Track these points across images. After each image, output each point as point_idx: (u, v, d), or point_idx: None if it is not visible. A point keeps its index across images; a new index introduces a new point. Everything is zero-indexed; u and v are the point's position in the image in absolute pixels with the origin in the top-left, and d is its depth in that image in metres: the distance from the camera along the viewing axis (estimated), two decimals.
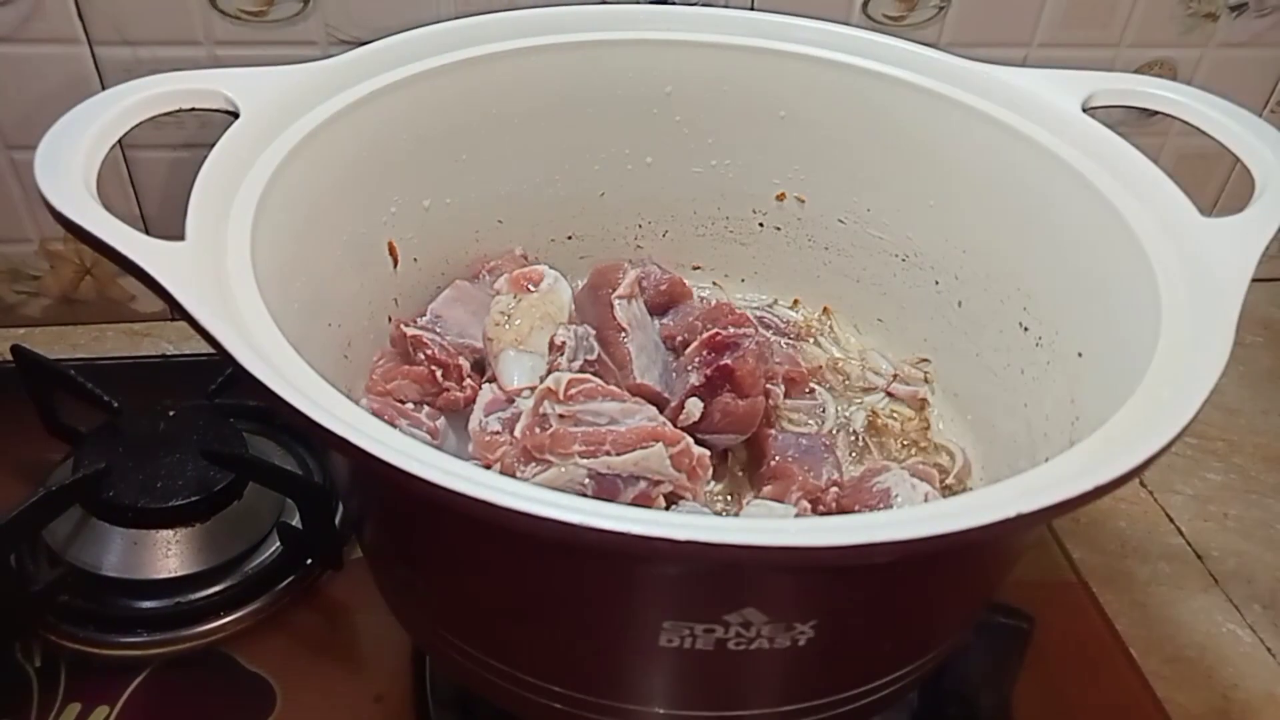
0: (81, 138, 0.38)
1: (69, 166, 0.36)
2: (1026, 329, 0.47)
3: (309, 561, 0.52)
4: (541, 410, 0.41)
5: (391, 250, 0.50)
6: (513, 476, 0.39)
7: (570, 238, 0.58)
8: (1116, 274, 0.40)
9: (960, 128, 0.48)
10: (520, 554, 0.32)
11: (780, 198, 0.57)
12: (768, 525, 0.27)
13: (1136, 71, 0.69)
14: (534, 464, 0.40)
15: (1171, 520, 0.61)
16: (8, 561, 0.47)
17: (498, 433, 0.44)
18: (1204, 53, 0.69)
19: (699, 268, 0.60)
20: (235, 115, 0.42)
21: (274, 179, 0.41)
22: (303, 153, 0.43)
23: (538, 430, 0.41)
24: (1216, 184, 0.75)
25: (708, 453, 0.42)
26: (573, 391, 0.41)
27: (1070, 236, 0.44)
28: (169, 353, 0.66)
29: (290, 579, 0.51)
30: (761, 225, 0.58)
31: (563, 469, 0.40)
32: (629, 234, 0.59)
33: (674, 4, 0.54)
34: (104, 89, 0.40)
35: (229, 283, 0.35)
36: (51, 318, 0.68)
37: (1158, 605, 0.56)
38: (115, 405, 0.54)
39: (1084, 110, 0.46)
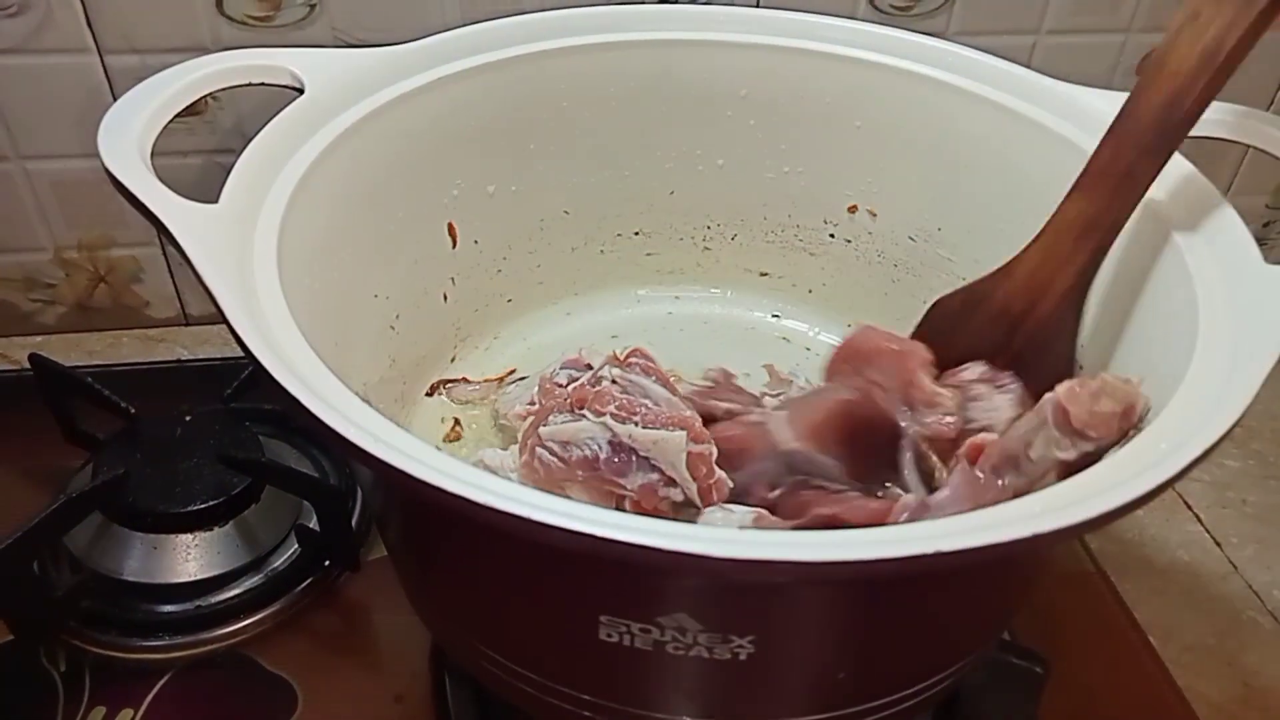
0: (148, 103, 0.40)
1: (127, 127, 0.39)
2: (1081, 366, 0.45)
3: (327, 563, 0.52)
4: (601, 374, 0.43)
5: (451, 231, 0.51)
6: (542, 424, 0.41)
7: (637, 234, 0.58)
8: (1167, 313, 0.39)
9: (1036, 150, 0.47)
10: (484, 547, 0.33)
11: (852, 210, 0.56)
12: (681, 531, 0.26)
13: (1147, 56, 0.69)
14: (566, 414, 0.41)
15: (1189, 507, 0.61)
16: (31, 568, 0.48)
17: (561, 384, 0.45)
18: None
19: (766, 274, 0.60)
20: (300, 92, 0.43)
21: (329, 152, 0.42)
22: (363, 130, 0.44)
23: (588, 386, 0.42)
24: (1229, 168, 0.74)
25: (728, 482, 0.42)
26: (631, 360, 0.43)
27: (1132, 274, 0.42)
28: (184, 358, 0.67)
29: (309, 581, 0.52)
30: (832, 236, 0.57)
31: (588, 423, 0.40)
32: (697, 235, 0.59)
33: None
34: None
35: (253, 251, 0.36)
36: (67, 325, 0.69)
37: (1176, 593, 0.56)
38: (132, 411, 0.55)
39: None
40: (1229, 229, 0.39)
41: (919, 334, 0.47)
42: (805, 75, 0.52)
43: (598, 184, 0.55)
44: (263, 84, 0.44)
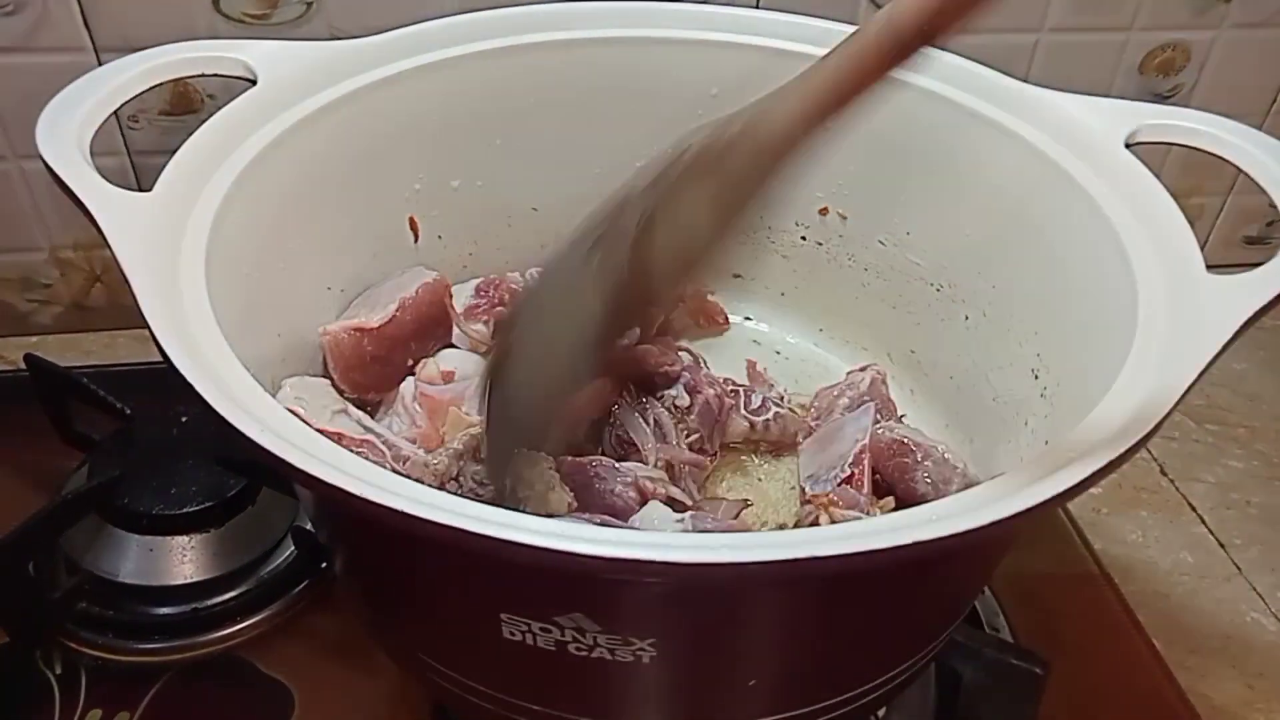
0: (94, 92, 0.40)
1: (68, 115, 0.38)
2: (1037, 376, 0.45)
3: (323, 565, 0.52)
4: None
5: (412, 225, 0.50)
6: None
7: None
8: (1109, 313, 0.39)
9: (1005, 157, 0.46)
10: (382, 548, 0.33)
11: (823, 212, 0.55)
12: (551, 528, 0.26)
13: (1149, 55, 0.68)
14: None
15: (1194, 509, 0.61)
16: (26, 570, 0.48)
17: None
18: (1217, 34, 0.68)
19: (739, 275, 0.59)
20: (254, 83, 0.43)
21: (278, 143, 0.41)
22: (316, 122, 0.43)
23: None
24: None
25: None
26: None
27: (1088, 286, 0.42)
28: None
29: (305, 583, 0.51)
30: (804, 239, 0.57)
31: None
32: None
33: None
34: None
35: (183, 240, 0.36)
36: (63, 325, 0.68)
37: (1180, 595, 0.55)
38: (128, 412, 0.55)
39: (1127, 145, 0.43)
40: (1176, 234, 0.39)
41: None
42: (772, 74, 0.51)
43: (566, 181, 0.54)
44: (215, 75, 0.44)
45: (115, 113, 0.41)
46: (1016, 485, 0.28)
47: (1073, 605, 0.53)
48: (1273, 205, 0.40)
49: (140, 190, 0.37)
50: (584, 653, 0.31)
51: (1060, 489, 0.28)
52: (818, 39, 0.50)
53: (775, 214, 0.57)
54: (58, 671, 0.48)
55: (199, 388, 0.29)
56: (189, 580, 0.50)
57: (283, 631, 0.50)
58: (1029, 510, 0.27)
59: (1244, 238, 0.78)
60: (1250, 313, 0.34)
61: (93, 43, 0.57)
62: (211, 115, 0.60)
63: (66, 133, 0.38)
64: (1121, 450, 0.29)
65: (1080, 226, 0.42)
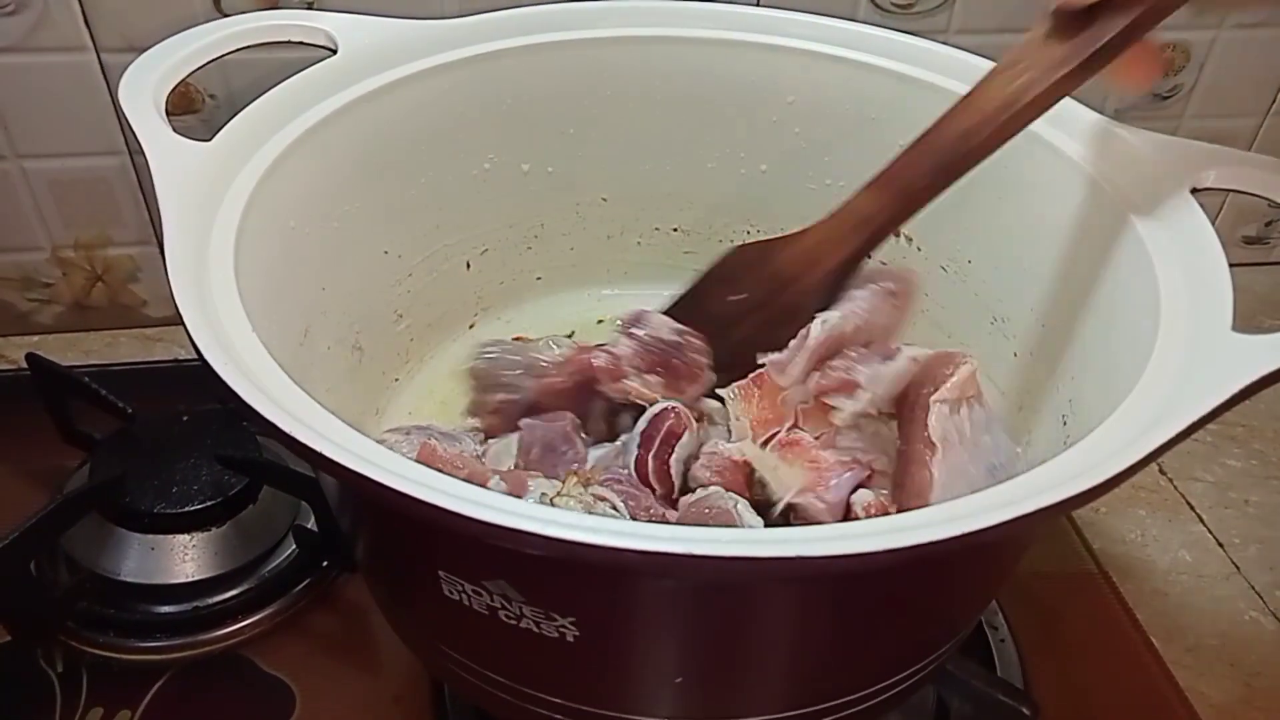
0: (180, 50, 0.43)
1: (154, 66, 0.42)
2: (1065, 423, 0.43)
3: (325, 564, 0.52)
4: None
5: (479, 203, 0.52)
6: None
7: (676, 230, 0.58)
8: (1133, 379, 0.36)
9: (1071, 191, 0.44)
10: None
11: (895, 234, 0.54)
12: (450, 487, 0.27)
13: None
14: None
15: (1192, 508, 0.61)
16: (28, 569, 0.48)
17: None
18: (1217, 34, 0.68)
19: None
20: (334, 53, 0.45)
21: (350, 108, 0.43)
22: (393, 93, 0.45)
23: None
24: None
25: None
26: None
27: (1124, 333, 0.39)
28: (181, 357, 0.66)
29: (307, 581, 0.52)
30: (869, 258, 0.55)
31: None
32: (736, 239, 0.58)
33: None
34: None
35: (230, 187, 0.38)
36: (64, 325, 0.68)
37: (1179, 594, 0.56)
38: (129, 411, 0.55)
39: (1193, 191, 0.40)
40: (1216, 291, 0.36)
41: (711, 271, 0.48)
42: (851, 88, 0.51)
43: (638, 175, 0.54)
44: (300, 43, 0.45)
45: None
46: (969, 510, 0.27)
47: (1071, 604, 0.53)
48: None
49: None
50: (513, 621, 0.31)
51: (1004, 518, 0.27)
52: (902, 55, 0.50)
53: None
54: (59, 670, 0.48)
55: (196, 337, 0.30)
56: (190, 579, 0.50)
57: (284, 630, 0.50)
58: (963, 536, 0.26)
59: (1243, 237, 0.78)
60: (1263, 373, 0.32)
61: (93, 43, 0.57)
62: (211, 116, 0.61)
63: (145, 86, 0.41)
64: (1082, 488, 0.29)
65: (1128, 275, 0.40)
